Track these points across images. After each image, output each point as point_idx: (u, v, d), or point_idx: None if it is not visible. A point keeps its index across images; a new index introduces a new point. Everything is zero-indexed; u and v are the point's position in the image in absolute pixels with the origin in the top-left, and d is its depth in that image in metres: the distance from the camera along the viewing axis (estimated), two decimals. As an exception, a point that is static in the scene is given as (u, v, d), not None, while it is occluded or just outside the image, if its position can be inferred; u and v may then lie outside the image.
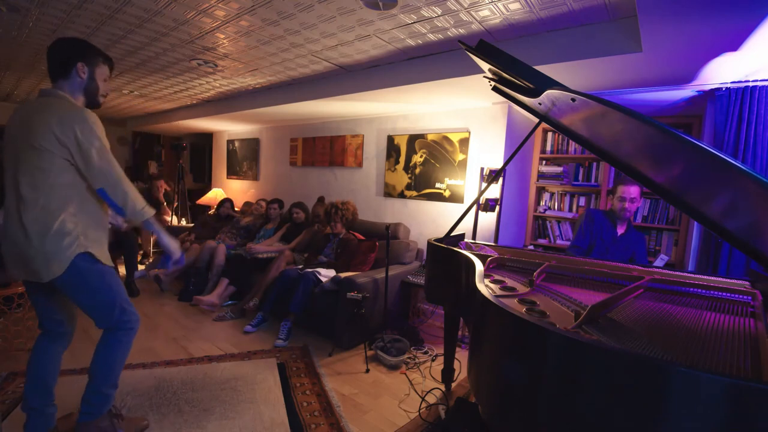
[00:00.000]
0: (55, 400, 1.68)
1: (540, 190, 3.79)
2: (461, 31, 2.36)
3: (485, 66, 1.76)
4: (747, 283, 1.64)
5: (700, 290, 1.61)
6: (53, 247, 1.45)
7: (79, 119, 1.46)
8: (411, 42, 2.58)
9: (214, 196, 6.02)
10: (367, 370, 2.54)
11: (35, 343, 1.70)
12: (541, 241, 3.74)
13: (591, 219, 2.62)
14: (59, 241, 1.45)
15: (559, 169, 3.56)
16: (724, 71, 2.17)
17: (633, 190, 2.49)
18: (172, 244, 1.75)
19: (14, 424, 1.80)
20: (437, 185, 3.73)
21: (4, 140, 1.55)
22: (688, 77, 2.32)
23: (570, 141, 3.59)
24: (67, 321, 1.72)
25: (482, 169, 3.24)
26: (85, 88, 1.60)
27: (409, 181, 3.95)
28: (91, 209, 1.57)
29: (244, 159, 6.13)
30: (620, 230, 2.57)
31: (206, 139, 7.19)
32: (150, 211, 1.61)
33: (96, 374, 1.61)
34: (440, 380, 2.39)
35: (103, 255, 1.60)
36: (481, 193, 2.22)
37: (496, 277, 1.79)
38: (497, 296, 1.37)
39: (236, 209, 5.30)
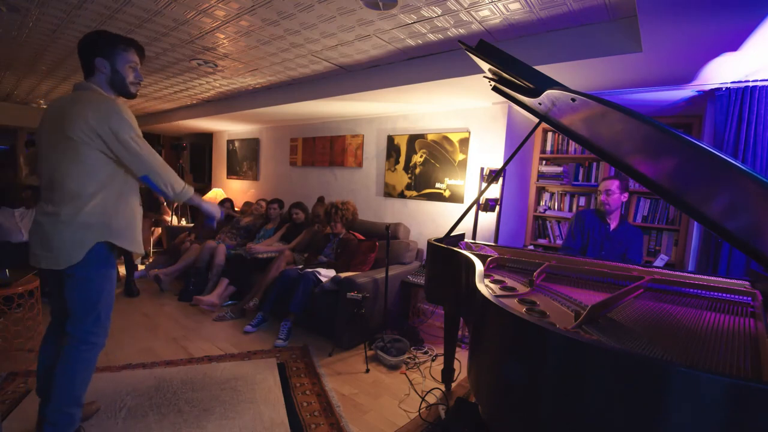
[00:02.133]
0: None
1: (540, 190, 3.79)
2: (461, 31, 2.36)
3: (485, 66, 1.76)
4: (747, 283, 1.64)
5: (700, 290, 1.61)
6: (75, 235, 1.49)
7: (113, 111, 1.49)
8: (411, 42, 2.58)
9: (214, 196, 6.02)
10: (367, 370, 2.54)
11: (44, 335, 1.74)
12: (541, 241, 3.74)
13: (580, 219, 2.66)
14: (81, 230, 1.49)
15: (559, 169, 3.56)
16: (724, 71, 2.17)
17: (610, 183, 2.54)
18: (213, 209, 1.86)
19: (14, 424, 1.80)
20: (437, 185, 3.73)
21: (39, 131, 1.59)
22: (688, 77, 2.32)
23: (570, 141, 3.59)
24: None
25: (482, 169, 3.24)
26: (111, 81, 1.61)
27: (409, 181, 3.94)
28: (122, 201, 1.60)
29: (244, 159, 6.13)
30: (612, 225, 2.59)
31: (206, 139, 7.19)
32: (190, 190, 1.69)
33: (55, 392, 1.53)
34: (440, 380, 2.39)
35: (137, 245, 1.66)
36: (481, 193, 2.22)
37: (496, 277, 1.79)
38: (497, 296, 1.37)
39: (236, 209, 5.30)
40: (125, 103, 1.62)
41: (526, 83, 1.56)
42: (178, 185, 1.64)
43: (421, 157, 3.84)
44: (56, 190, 1.49)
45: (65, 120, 1.46)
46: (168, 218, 5.52)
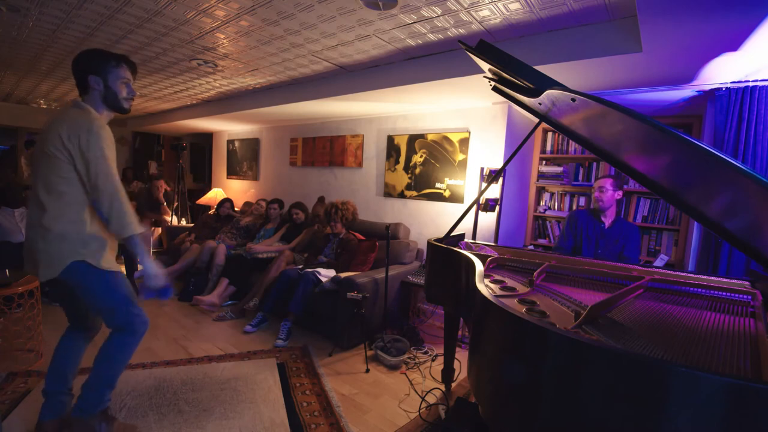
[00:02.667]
0: (72, 391, 1.73)
1: (540, 190, 3.79)
2: (461, 31, 2.36)
3: (485, 66, 1.76)
4: (747, 283, 1.64)
5: (700, 290, 1.61)
6: (53, 250, 1.50)
7: (85, 128, 1.49)
8: (411, 42, 2.58)
9: (214, 196, 6.02)
10: (367, 370, 2.54)
11: (63, 332, 1.79)
12: (541, 241, 3.74)
13: (573, 220, 2.70)
14: (58, 245, 1.51)
15: (559, 169, 3.56)
16: (724, 71, 2.17)
17: (603, 181, 2.59)
18: (154, 270, 1.69)
19: (14, 424, 1.80)
20: (437, 185, 3.73)
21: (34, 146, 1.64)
22: (688, 77, 2.31)
23: (570, 141, 3.59)
24: (86, 317, 1.77)
25: (482, 169, 3.24)
26: (104, 98, 1.63)
27: (409, 181, 3.94)
28: (96, 216, 1.58)
29: (244, 159, 6.13)
30: (607, 222, 2.61)
31: (206, 139, 7.19)
32: (137, 229, 1.58)
33: (95, 370, 1.62)
34: (440, 380, 2.39)
35: (104, 262, 1.60)
36: (481, 193, 2.22)
37: (496, 277, 1.79)
38: (497, 296, 1.37)
39: (236, 209, 5.30)
40: (105, 121, 1.62)
41: (526, 83, 1.56)
42: (125, 218, 1.54)
43: (421, 157, 3.84)
44: (37, 201, 1.52)
45: (48, 134, 1.50)
46: (168, 218, 5.52)
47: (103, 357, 1.63)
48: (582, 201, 3.60)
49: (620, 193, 2.59)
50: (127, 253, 3.75)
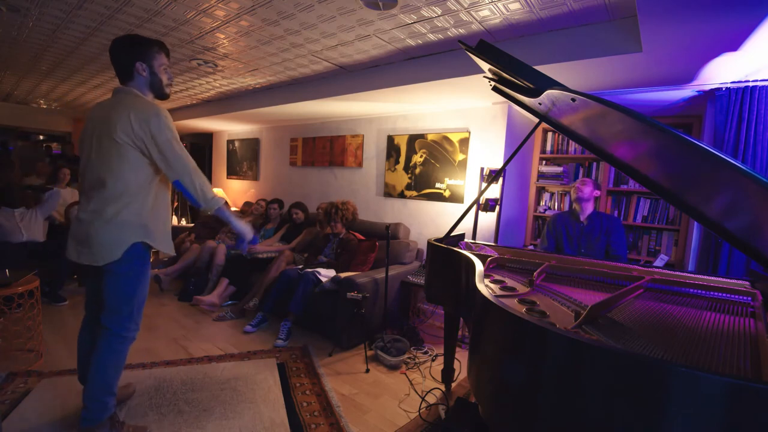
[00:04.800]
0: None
1: (540, 190, 3.79)
2: (461, 31, 2.36)
3: (485, 66, 1.76)
4: (747, 283, 1.64)
5: (700, 290, 1.61)
6: (115, 234, 1.55)
7: (153, 114, 1.53)
8: (411, 42, 2.58)
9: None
10: (367, 370, 2.54)
11: (81, 324, 1.85)
12: (540, 239, 3.74)
13: (552, 223, 2.78)
14: (121, 229, 1.56)
15: (559, 169, 3.56)
16: (724, 71, 2.17)
17: (585, 179, 2.72)
18: (244, 228, 1.83)
19: (14, 424, 1.80)
20: (437, 185, 3.73)
21: (83, 135, 1.65)
22: (688, 77, 2.31)
23: (570, 141, 3.59)
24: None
25: (482, 169, 3.24)
26: (150, 84, 1.67)
27: (409, 181, 3.94)
28: (158, 204, 1.66)
29: (244, 159, 6.13)
30: (583, 217, 2.67)
31: (206, 139, 7.20)
32: (220, 201, 1.67)
33: (91, 380, 1.62)
34: (440, 380, 2.39)
35: (168, 246, 1.70)
36: (481, 193, 2.22)
37: (496, 277, 1.79)
38: (497, 296, 1.37)
39: (234, 208, 5.30)
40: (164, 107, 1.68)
41: (526, 83, 1.56)
42: (209, 193, 1.65)
43: (421, 157, 3.84)
44: (100, 190, 1.55)
45: (110, 123, 1.52)
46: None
47: (98, 365, 1.63)
48: (582, 201, 3.60)
49: (598, 192, 2.68)
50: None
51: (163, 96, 1.72)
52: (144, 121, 1.51)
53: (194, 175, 1.61)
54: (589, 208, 2.66)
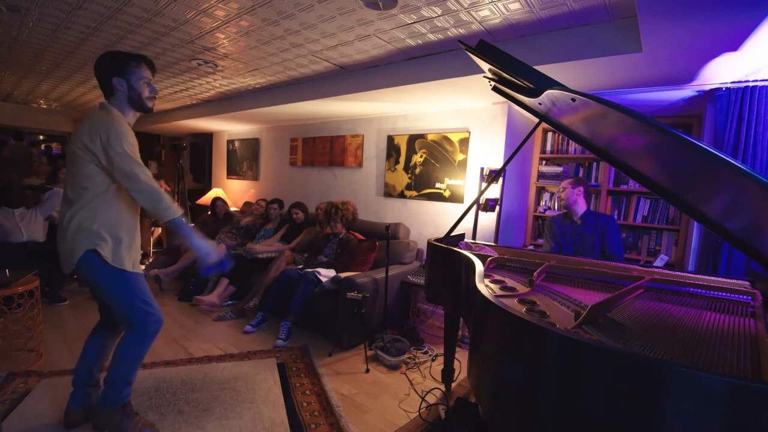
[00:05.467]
0: (99, 384, 1.84)
1: (540, 190, 3.79)
2: (461, 31, 2.36)
3: (485, 66, 1.76)
4: (747, 283, 1.64)
5: (700, 290, 1.61)
6: (73, 242, 1.59)
7: (105, 128, 1.55)
8: (411, 42, 2.58)
9: (213, 196, 6.03)
10: (367, 370, 2.54)
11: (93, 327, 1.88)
12: (541, 241, 3.74)
13: (549, 225, 2.79)
14: (77, 237, 1.58)
15: (559, 169, 3.56)
16: (724, 71, 2.17)
17: (564, 182, 2.74)
18: (204, 247, 1.66)
19: (14, 424, 1.80)
20: (437, 185, 3.73)
21: None
22: (688, 77, 2.31)
23: (570, 141, 3.59)
24: (112, 313, 1.80)
25: (482, 169, 3.24)
26: (129, 99, 1.68)
27: (409, 181, 3.94)
28: (114, 212, 1.64)
29: (244, 159, 6.13)
30: (577, 218, 2.67)
31: (206, 139, 7.19)
32: (177, 211, 1.62)
33: (111, 367, 1.69)
34: (440, 380, 2.39)
35: (117, 260, 1.64)
36: (481, 193, 2.22)
37: (496, 277, 1.79)
38: (497, 296, 1.37)
39: (231, 207, 5.29)
40: (129, 119, 1.70)
41: (526, 83, 1.56)
42: (161, 205, 1.58)
43: (421, 157, 3.84)
44: (66, 198, 1.64)
45: (74, 135, 1.60)
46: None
47: (117, 355, 1.69)
48: (582, 201, 3.60)
49: (581, 189, 2.67)
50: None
51: (144, 110, 1.72)
52: (95, 134, 1.54)
53: (144, 185, 1.55)
54: (580, 208, 2.66)
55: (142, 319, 1.68)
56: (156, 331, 1.73)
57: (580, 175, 3.55)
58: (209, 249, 1.68)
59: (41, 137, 7.27)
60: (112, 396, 1.68)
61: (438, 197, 3.73)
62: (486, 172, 3.22)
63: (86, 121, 1.59)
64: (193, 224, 5.21)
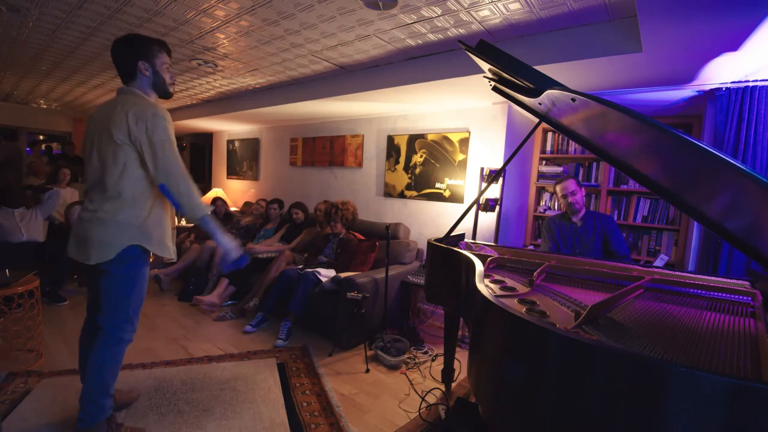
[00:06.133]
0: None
1: (540, 190, 3.79)
2: (461, 31, 2.36)
3: (485, 66, 1.76)
4: (747, 283, 1.64)
5: (700, 290, 1.61)
6: (112, 234, 1.54)
7: (151, 115, 1.52)
8: (411, 42, 2.58)
9: (213, 196, 6.03)
10: (367, 370, 2.54)
11: (83, 324, 1.83)
12: (541, 241, 3.74)
13: (547, 226, 2.76)
14: (117, 229, 1.55)
15: (559, 169, 3.56)
16: (724, 71, 2.17)
17: (569, 184, 2.63)
18: (230, 245, 1.73)
19: (14, 424, 1.80)
20: (437, 185, 3.73)
21: (87, 135, 1.65)
22: (688, 77, 2.31)
23: (570, 141, 3.59)
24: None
25: (482, 169, 3.24)
26: (153, 83, 1.66)
27: (409, 181, 3.94)
28: (157, 208, 1.64)
29: (244, 159, 6.13)
30: (577, 219, 2.65)
31: (206, 139, 7.19)
32: (207, 210, 1.64)
33: (87, 381, 1.62)
34: (440, 380, 2.39)
35: (167, 250, 1.66)
36: (481, 193, 2.22)
37: (496, 277, 1.79)
38: (497, 296, 1.37)
39: (234, 208, 5.30)
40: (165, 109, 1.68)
41: (526, 83, 1.56)
42: (195, 200, 1.60)
43: (421, 157, 3.84)
44: (99, 190, 1.57)
45: (110, 123, 1.52)
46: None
47: (91, 367, 1.62)
48: (582, 201, 3.60)
49: (583, 190, 2.66)
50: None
51: (166, 95, 1.71)
52: (141, 120, 1.51)
53: (181, 179, 1.57)
54: (582, 209, 2.65)
55: (121, 326, 1.65)
56: (130, 340, 1.69)
57: (580, 175, 3.55)
58: (234, 246, 1.73)
59: (41, 137, 7.27)
60: (95, 411, 1.61)
61: (438, 197, 3.73)
62: (486, 172, 3.22)
63: (122, 107, 1.51)
64: (193, 224, 5.20)
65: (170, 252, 1.71)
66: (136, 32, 1.75)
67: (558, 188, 2.68)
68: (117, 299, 1.64)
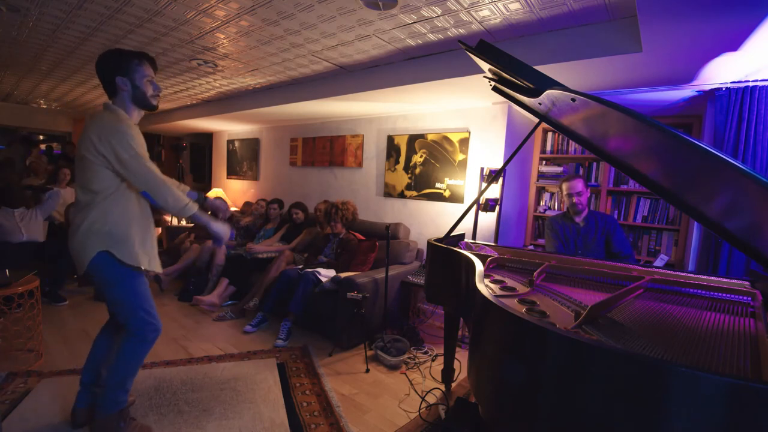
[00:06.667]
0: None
1: (540, 190, 3.79)
2: (461, 31, 2.36)
3: (485, 66, 1.76)
4: (747, 283, 1.64)
5: (700, 290, 1.61)
6: (84, 244, 1.58)
7: (115, 131, 1.55)
8: (411, 42, 2.58)
9: (213, 196, 6.03)
10: (367, 370, 2.54)
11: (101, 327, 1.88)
12: (541, 241, 3.73)
13: (551, 226, 2.74)
14: (87, 239, 1.58)
15: (559, 169, 3.56)
16: (724, 71, 2.17)
17: (576, 183, 2.60)
18: (221, 229, 1.80)
19: (14, 424, 1.80)
20: (437, 185, 3.73)
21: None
22: (688, 77, 2.31)
23: (570, 141, 3.59)
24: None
25: (482, 169, 3.24)
26: (132, 97, 1.67)
27: (409, 181, 3.94)
28: (128, 212, 1.64)
29: (244, 159, 6.13)
30: (580, 220, 2.64)
31: (206, 139, 7.19)
32: (193, 207, 1.68)
33: (108, 373, 1.69)
34: (440, 380, 2.39)
35: (131, 257, 1.63)
36: (481, 193, 2.22)
37: (496, 277, 1.79)
38: (497, 296, 1.37)
39: (234, 208, 5.30)
40: (136, 120, 1.71)
41: (526, 83, 1.56)
42: (179, 203, 1.64)
43: (421, 157, 3.84)
44: (76, 201, 1.64)
45: (82, 139, 1.58)
46: (168, 218, 5.52)
47: (114, 361, 1.68)
48: (582, 201, 3.60)
49: (589, 190, 2.66)
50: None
51: (149, 107, 1.72)
52: (105, 139, 1.53)
53: (161, 188, 1.60)
54: (585, 210, 2.65)
55: (141, 327, 1.68)
56: (153, 339, 1.73)
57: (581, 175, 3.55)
58: (224, 229, 1.82)
59: (41, 137, 7.27)
60: (110, 401, 1.67)
61: (438, 197, 3.73)
62: (486, 172, 3.22)
63: (93, 123, 1.58)
64: (192, 224, 5.18)
65: (135, 259, 1.63)
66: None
67: (564, 186, 2.65)
68: (118, 302, 1.67)
